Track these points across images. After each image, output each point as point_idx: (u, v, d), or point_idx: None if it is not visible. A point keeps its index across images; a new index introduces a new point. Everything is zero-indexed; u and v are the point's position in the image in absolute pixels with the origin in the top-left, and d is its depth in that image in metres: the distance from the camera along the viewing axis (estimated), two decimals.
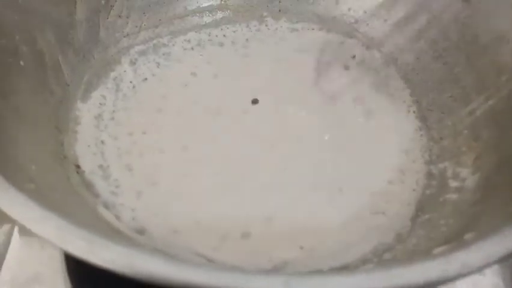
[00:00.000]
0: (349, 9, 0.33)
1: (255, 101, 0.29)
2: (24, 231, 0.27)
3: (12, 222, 0.25)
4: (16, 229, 0.27)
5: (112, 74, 0.30)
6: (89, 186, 0.24)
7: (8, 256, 0.26)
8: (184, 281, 0.12)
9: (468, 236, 0.18)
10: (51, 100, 0.25)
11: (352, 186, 0.26)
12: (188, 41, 0.33)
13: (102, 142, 0.26)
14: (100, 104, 0.28)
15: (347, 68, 0.32)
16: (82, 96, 0.28)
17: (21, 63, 0.24)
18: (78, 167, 0.24)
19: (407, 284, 0.12)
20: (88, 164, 0.25)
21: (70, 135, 0.25)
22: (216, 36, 0.34)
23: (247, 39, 0.34)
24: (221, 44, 0.33)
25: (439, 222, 0.23)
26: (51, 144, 0.23)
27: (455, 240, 0.19)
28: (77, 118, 0.27)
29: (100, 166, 0.25)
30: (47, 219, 0.13)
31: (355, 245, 0.23)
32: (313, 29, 0.34)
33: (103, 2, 0.30)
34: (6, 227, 0.27)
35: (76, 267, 0.26)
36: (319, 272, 0.20)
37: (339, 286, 0.12)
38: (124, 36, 0.31)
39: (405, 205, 0.25)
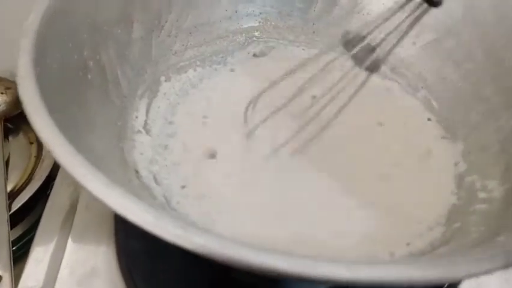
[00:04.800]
0: (380, 32, 0.36)
1: None
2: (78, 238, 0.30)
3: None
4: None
5: (161, 88, 0.32)
6: (147, 189, 0.26)
7: (66, 255, 0.29)
8: (268, 266, 0.14)
9: (499, 239, 0.20)
10: (112, 111, 0.28)
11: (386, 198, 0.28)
12: (229, 57, 0.36)
13: (155, 150, 0.29)
14: (151, 115, 0.31)
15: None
16: (136, 108, 0.30)
17: (89, 76, 0.26)
18: (137, 172, 0.26)
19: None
20: (144, 170, 0.27)
21: (129, 143, 0.28)
22: (254, 54, 0.36)
23: (283, 58, 0.36)
24: (259, 60, 0.36)
25: (470, 229, 0.24)
26: (115, 151, 0.26)
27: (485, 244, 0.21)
28: (133, 127, 0.29)
29: (151, 172, 0.27)
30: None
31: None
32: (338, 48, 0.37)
33: (155, 22, 0.33)
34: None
35: (128, 261, 0.28)
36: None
37: (395, 273, 0.14)
38: (173, 54, 0.34)
39: (438, 215, 0.27)
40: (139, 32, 0.31)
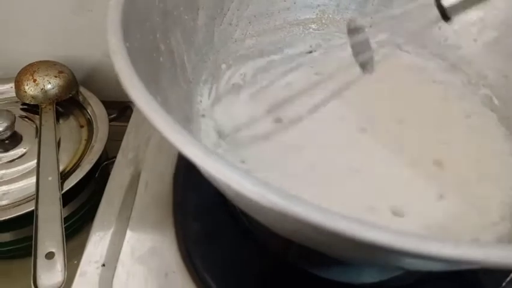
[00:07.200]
0: (439, 28, 0.36)
1: None
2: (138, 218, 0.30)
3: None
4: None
5: (224, 76, 0.33)
6: None
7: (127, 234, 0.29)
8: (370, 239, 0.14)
9: None
10: (180, 93, 0.28)
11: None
12: (286, 48, 0.36)
13: (218, 134, 0.29)
14: (215, 100, 0.31)
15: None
16: (200, 93, 0.30)
17: (161, 59, 0.27)
18: None
19: None
20: None
21: (195, 125, 0.28)
22: (310, 46, 0.36)
23: (338, 50, 0.36)
24: (315, 52, 0.36)
25: None
26: None
27: None
28: (198, 111, 0.29)
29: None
30: None
31: None
32: (401, 43, 0.37)
33: (218, 10, 0.33)
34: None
35: (186, 241, 0.28)
36: None
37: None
38: (233, 43, 0.34)
39: (501, 211, 0.27)
40: (203, 19, 0.32)
